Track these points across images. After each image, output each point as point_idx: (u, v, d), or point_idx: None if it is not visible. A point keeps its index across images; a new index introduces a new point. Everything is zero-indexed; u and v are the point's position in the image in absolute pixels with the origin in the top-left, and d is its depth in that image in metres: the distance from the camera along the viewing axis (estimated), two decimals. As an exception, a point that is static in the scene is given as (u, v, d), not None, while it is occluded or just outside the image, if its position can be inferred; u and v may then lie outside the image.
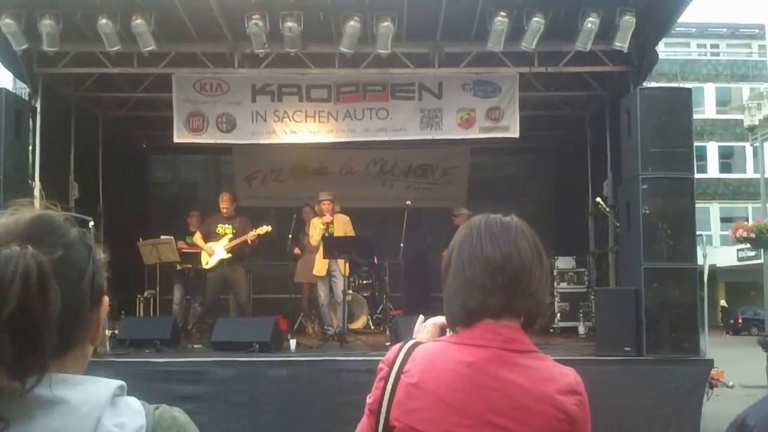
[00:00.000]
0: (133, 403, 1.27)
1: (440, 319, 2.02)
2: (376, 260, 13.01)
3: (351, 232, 11.65)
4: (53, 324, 1.17)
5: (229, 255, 11.55)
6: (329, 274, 11.64)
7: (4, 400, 1.17)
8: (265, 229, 11.52)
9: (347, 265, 11.35)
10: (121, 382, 1.26)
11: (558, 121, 15.20)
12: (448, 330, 1.96)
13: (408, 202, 11.84)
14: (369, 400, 1.86)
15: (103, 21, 9.98)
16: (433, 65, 11.33)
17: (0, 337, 1.13)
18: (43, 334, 1.16)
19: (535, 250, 1.82)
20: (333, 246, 11.26)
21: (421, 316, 2.13)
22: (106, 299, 1.34)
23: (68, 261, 1.24)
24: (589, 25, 10.03)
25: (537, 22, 9.98)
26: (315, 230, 11.53)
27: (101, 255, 1.33)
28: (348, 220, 11.74)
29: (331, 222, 11.46)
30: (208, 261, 11.66)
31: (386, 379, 1.82)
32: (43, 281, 1.16)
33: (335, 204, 11.77)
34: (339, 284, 11.46)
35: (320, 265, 11.66)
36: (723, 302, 40.93)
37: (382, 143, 13.06)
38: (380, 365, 1.87)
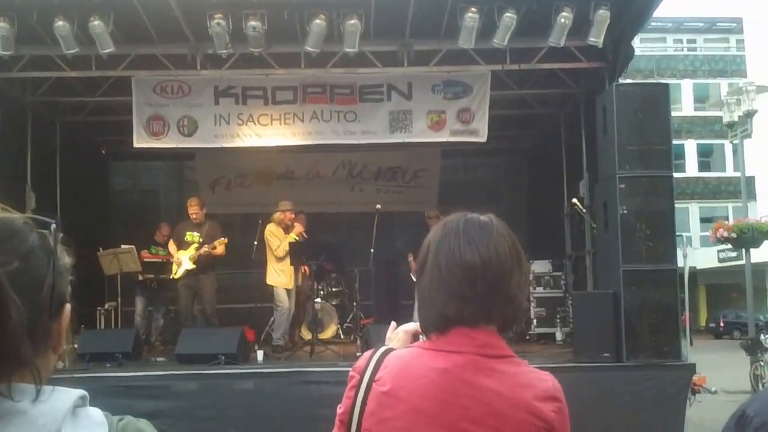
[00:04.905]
0: (96, 414, 1.23)
1: (412, 326, 1.97)
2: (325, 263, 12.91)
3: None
4: (16, 336, 1.12)
5: (194, 266, 11.20)
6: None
7: None
8: (222, 241, 11.19)
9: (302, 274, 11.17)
10: (83, 392, 1.22)
11: (531, 120, 15.07)
12: (420, 336, 1.90)
13: (378, 206, 11.49)
14: (339, 410, 1.81)
15: (60, 23, 9.75)
16: (402, 64, 11.12)
17: None
18: (5, 347, 1.12)
19: (514, 253, 1.75)
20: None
21: (393, 323, 2.07)
22: (68, 307, 1.27)
23: (26, 271, 1.18)
24: (563, 20, 9.89)
25: (509, 17, 9.84)
26: (283, 241, 11.21)
27: (66, 259, 1.27)
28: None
29: (300, 232, 11.19)
30: (176, 271, 11.38)
31: (357, 387, 1.76)
32: (2, 295, 1.12)
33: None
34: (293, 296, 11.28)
35: (289, 277, 11.38)
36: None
37: (351, 146, 12.79)
38: (351, 373, 1.81)
